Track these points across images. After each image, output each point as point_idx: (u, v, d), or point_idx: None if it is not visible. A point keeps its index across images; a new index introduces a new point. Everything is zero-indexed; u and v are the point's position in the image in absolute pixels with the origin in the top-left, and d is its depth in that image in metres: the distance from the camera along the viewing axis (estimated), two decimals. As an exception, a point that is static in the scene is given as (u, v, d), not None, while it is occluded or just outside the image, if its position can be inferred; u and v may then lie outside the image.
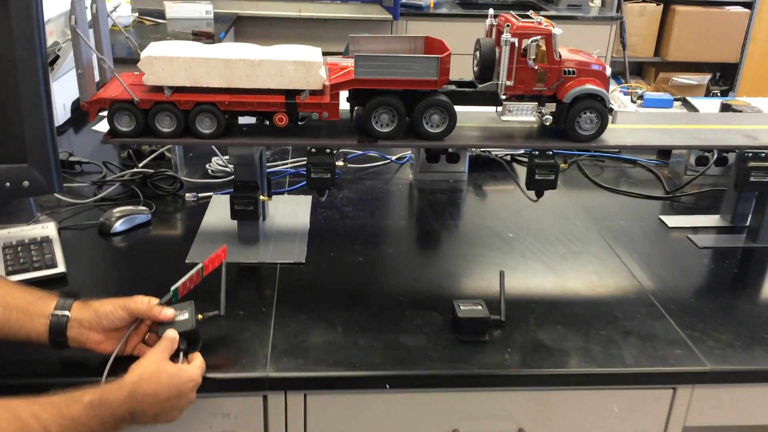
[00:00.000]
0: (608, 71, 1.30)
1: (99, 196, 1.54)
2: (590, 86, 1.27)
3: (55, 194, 1.50)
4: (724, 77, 4.73)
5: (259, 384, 1.03)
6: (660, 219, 1.55)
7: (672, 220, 1.54)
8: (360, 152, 1.82)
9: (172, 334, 0.99)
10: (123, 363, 0.98)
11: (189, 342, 1.01)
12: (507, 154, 1.84)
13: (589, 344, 1.11)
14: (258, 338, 1.09)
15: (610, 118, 1.29)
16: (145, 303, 1.01)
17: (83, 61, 1.21)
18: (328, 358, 1.06)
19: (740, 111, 1.74)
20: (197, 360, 0.99)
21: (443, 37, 1.31)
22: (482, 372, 1.05)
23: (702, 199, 1.68)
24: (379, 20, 3.95)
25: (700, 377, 1.08)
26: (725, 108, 1.79)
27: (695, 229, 1.51)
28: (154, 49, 1.25)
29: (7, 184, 1.26)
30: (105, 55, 1.30)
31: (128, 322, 1.01)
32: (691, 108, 1.98)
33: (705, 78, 4.63)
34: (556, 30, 1.25)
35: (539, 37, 1.24)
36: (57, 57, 1.89)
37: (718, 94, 4.66)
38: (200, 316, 1.04)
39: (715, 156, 1.71)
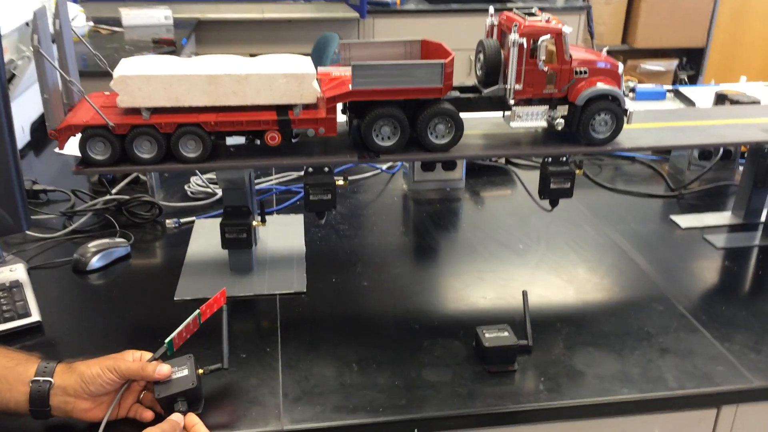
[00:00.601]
0: (620, 69, 1.22)
1: (70, 228, 1.41)
2: (604, 86, 1.18)
3: (22, 229, 1.36)
4: (690, 62, 4.74)
5: (274, 440, 0.92)
6: (671, 219, 1.48)
7: (684, 220, 1.47)
8: (350, 164, 1.71)
9: (176, 419, 0.88)
10: (116, 427, 0.87)
11: (189, 402, 0.90)
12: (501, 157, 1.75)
13: (626, 366, 1.03)
14: (266, 385, 0.99)
15: (625, 119, 1.21)
16: (136, 361, 0.90)
17: (49, 84, 1.08)
18: (347, 403, 0.95)
19: (737, 102, 1.68)
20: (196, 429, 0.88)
21: (413, 35, 1.21)
22: (519, 408, 0.95)
23: (707, 195, 1.62)
24: (346, 19, 3.84)
25: (745, 395, 1.01)
26: (721, 98, 1.73)
27: (708, 229, 1.44)
28: (127, 67, 1.12)
29: (-32, 225, 1.13)
30: (72, 75, 1.17)
31: (119, 385, 0.90)
32: (686, 99, 1.92)
33: (672, 63, 4.63)
34: (566, 28, 1.17)
35: (549, 36, 1.15)
36: (13, 75, 1.74)
37: (686, 80, 4.67)
38: (201, 371, 0.92)
39: (721, 151, 1.65)
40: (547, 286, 1.24)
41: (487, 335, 1.03)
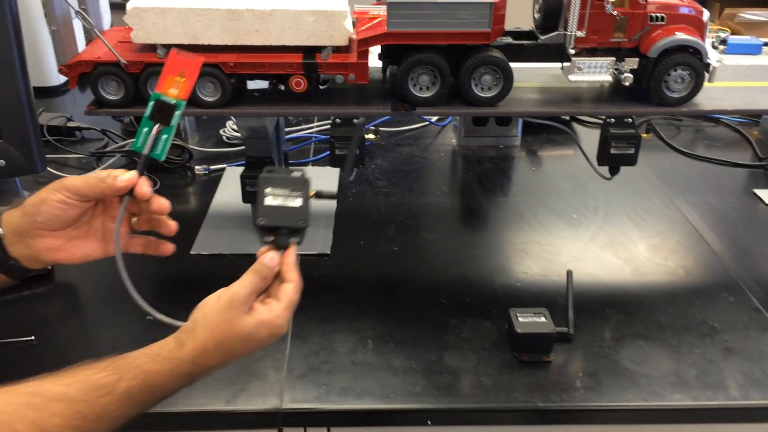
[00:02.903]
0: (706, 16, 1.03)
1: (98, 169, 1.35)
2: (683, 36, 1.01)
3: (48, 168, 1.31)
4: (797, 13, 4.28)
5: (271, 419, 0.84)
6: (755, 194, 1.30)
7: (770, 195, 1.29)
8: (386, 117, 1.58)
9: (270, 262, 0.69)
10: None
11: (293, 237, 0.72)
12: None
13: (681, 367, 0.89)
14: (271, 357, 0.90)
15: (707, 75, 1.03)
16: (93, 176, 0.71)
17: (57, 16, 1.00)
18: (356, 385, 0.86)
19: None
20: (288, 288, 0.70)
21: None
22: (549, 406, 0.84)
23: (802, 166, 1.41)
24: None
25: (824, 411, 0.86)
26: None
27: (798, 207, 1.25)
28: (143, -1, 1.03)
29: (-20, 164, 1.08)
30: (90, 6, 1.08)
31: (79, 208, 0.71)
32: (786, 54, 1.68)
33: (776, 14, 4.19)
34: (643, -36, 0.99)
35: (621, -26, 0.97)
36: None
37: (790, 32, 4.23)
38: (312, 193, 0.74)
39: (823, 115, 1.43)
40: (598, 264, 1.10)
41: (520, 319, 0.91)
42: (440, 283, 1.05)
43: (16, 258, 0.72)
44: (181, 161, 1.39)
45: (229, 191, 1.30)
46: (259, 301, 0.70)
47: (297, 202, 0.72)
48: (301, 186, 0.73)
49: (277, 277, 0.71)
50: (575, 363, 0.90)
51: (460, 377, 0.87)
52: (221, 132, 1.51)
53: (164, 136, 0.73)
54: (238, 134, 1.48)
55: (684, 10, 1.02)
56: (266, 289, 0.71)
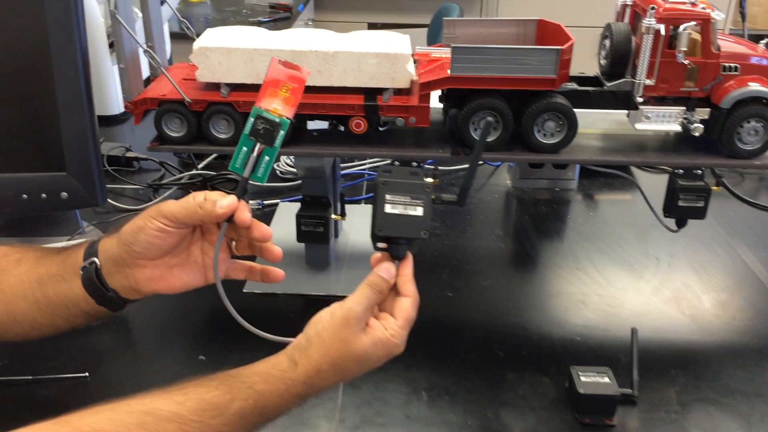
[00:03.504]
0: (782, 66, 1.00)
1: (154, 201, 1.36)
2: (758, 87, 0.97)
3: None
4: None
5: (322, 471, 0.82)
6: (829, 249, 1.24)
7: None
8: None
9: (387, 274, 0.66)
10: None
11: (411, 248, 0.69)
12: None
13: (754, 438, 0.84)
14: (323, 406, 0.88)
15: (782, 128, 0.99)
16: (198, 199, 0.67)
17: (126, 53, 1.01)
18: (409, 440, 0.83)
19: None
20: (405, 304, 0.67)
21: (551, 12, 1.03)
22: (612, 475, 0.80)
23: None
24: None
25: None
26: None
27: None
28: (209, 38, 1.04)
29: (43, 195, 1.10)
30: (157, 42, 1.10)
31: (176, 235, 0.68)
32: None
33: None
34: (717, 13, 0.96)
35: (694, 23, 0.95)
36: (116, 40, 1.72)
37: None
38: (432, 197, 0.69)
39: None
40: (662, 321, 1.05)
41: (583, 379, 0.87)
42: (496, 333, 1.02)
43: (114, 289, 0.70)
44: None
45: (282, 227, 1.29)
46: (373, 315, 0.67)
47: (418, 211, 0.67)
48: (422, 192, 0.68)
49: (393, 289, 0.68)
50: (640, 428, 0.85)
51: (517, 437, 0.84)
52: (275, 166, 1.51)
53: (266, 158, 0.68)
54: (292, 169, 1.49)
55: (757, 60, 0.99)
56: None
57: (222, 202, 0.67)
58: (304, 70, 0.71)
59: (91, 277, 0.70)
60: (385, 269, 0.67)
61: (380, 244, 0.68)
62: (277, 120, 0.68)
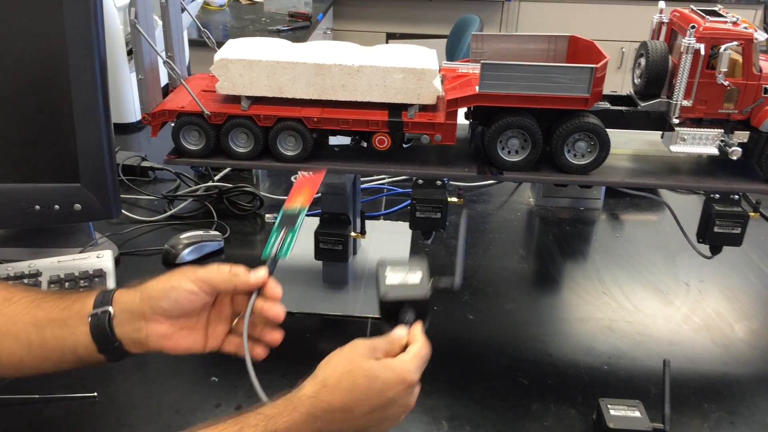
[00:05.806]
0: (825, 90, 0.95)
1: (168, 213, 1.34)
2: (801, 110, 0.93)
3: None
4: None
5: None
6: None
7: None
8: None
9: (399, 336, 0.71)
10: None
11: (417, 315, 0.74)
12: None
13: (794, 480, 0.80)
14: (340, 434, 0.84)
15: (824, 153, 0.95)
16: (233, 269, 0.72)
17: (145, 64, 0.99)
18: (430, 474, 0.80)
19: None
20: (415, 344, 0.70)
21: (572, 25, 1.00)
22: None
23: None
24: (490, 0, 3.60)
25: None
26: None
27: None
28: (230, 50, 1.01)
29: (56, 206, 1.07)
30: (177, 52, 1.08)
31: (204, 300, 0.72)
32: None
33: None
34: (760, 34, 0.92)
35: (735, 43, 0.91)
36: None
37: None
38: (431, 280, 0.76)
39: None
40: (693, 351, 1.01)
41: (612, 412, 0.83)
42: (520, 360, 0.98)
43: (120, 340, 0.71)
44: (252, 208, 1.37)
45: (299, 243, 1.26)
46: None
47: (417, 276, 0.75)
48: (418, 262, 0.77)
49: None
50: (673, 466, 0.81)
51: (544, 473, 0.80)
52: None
53: (289, 238, 0.78)
54: (309, 182, 1.46)
55: (800, 82, 0.95)
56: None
57: (257, 273, 0.72)
58: (321, 171, 0.88)
59: (102, 325, 0.71)
60: (397, 332, 0.72)
61: (402, 316, 0.73)
62: (297, 210, 0.81)
